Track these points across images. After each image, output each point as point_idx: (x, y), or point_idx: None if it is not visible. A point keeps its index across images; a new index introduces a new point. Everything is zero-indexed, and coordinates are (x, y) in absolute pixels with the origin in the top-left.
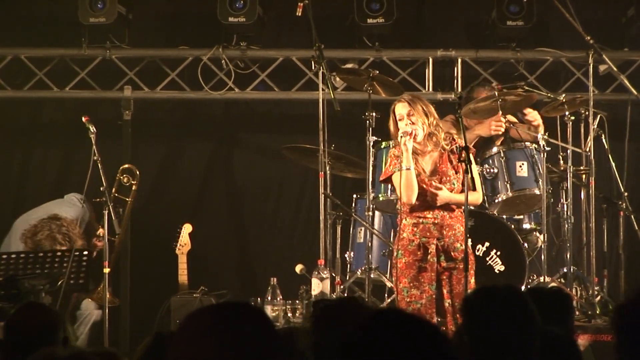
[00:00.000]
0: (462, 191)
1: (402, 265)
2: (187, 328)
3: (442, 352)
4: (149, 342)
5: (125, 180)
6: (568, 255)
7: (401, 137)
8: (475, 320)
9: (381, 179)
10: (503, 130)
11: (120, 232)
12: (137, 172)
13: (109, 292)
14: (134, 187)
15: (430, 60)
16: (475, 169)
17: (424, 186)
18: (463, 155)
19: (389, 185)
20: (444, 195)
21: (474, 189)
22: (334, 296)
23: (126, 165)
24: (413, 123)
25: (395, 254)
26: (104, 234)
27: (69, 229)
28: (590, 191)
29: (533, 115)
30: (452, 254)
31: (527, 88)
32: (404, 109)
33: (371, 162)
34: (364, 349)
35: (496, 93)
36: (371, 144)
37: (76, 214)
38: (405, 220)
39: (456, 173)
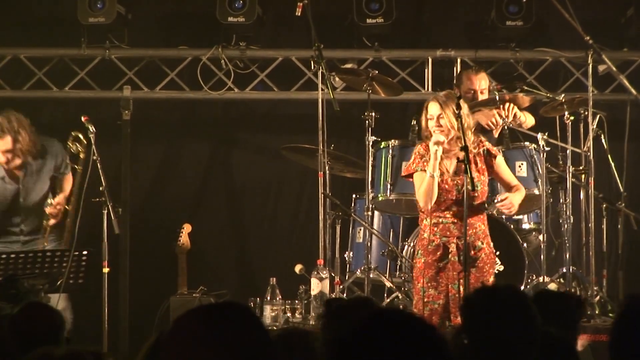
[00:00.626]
0: (487, 193)
1: (420, 265)
2: (177, 330)
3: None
4: (153, 341)
5: (74, 148)
6: (567, 255)
7: (433, 144)
8: (476, 321)
9: (403, 174)
10: (499, 126)
11: (70, 208)
12: (85, 140)
13: (68, 237)
14: (81, 156)
15: (430, 60)
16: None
17: (446, 187)
18: (462, 155)
19: (389, 185)
20: (515, 199)
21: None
22: (334, 295)
23: (74, 133)
24: (440, 125)
25: (415, 253)
26: (67, 220)
27: (20, 128)
28: (590, 191)
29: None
30: (472, 252)
31: (526, 88)
32: (436, 109)
33: (370, 162)
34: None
35: (497, 94)
36: (370, 144)
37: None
38: (426, 220)
39: (481, 175)
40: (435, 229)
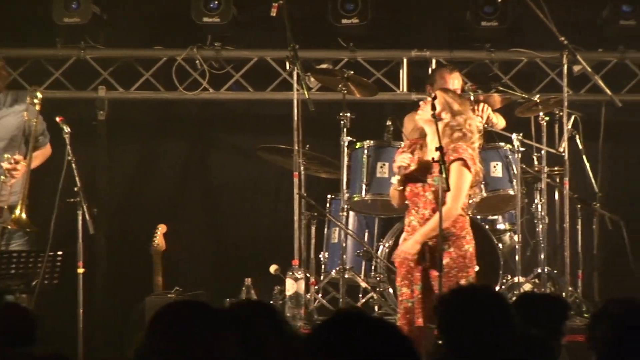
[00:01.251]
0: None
1: (397, 263)
2: (153, 324)
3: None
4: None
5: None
6: (542, 256)
7: (397, 166)
8: (453, 321)
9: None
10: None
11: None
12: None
13: (26, 219)
14: (37, 108)
15: (405, 60)
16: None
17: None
18: (437, 156)
19: (364, 186)
20: (418, 235)
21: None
22: (308, 297)
23: (33, 87)
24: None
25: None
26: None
27: None
28: (565, 192)
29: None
30: (435, 255)
31: (501, 88)
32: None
33: (346, 163)
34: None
35: (471, 94)
36: (346, 144)
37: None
38: (406, 218)
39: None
40: (409, 228)
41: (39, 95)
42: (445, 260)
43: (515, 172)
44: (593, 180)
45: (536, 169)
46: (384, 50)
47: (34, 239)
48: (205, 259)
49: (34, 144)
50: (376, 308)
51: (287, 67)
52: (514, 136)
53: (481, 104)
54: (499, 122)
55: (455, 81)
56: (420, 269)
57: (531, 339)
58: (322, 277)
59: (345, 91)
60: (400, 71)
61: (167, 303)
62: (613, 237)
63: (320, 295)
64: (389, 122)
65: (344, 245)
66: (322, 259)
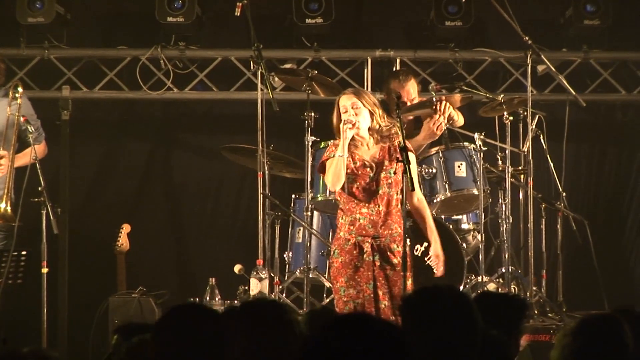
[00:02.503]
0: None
1: (338, 264)
2: (159, 328)
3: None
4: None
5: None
6: (506, 256)
7: (343, 124)
8: (416, 321)
9: (317, 168)
10: (444, 127)
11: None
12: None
13: (11, 214)
14: (19, 101)
15: (369, 60)
16: (414, 170)
17: (362, 178)
18: (402, 155)
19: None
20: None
21: (413, 189)
22: (272, 296)
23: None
24: (357, 115)
25: (332, 252)
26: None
27: None
28: (529, 191)
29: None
30: (387, 254)
31: (465, 88)
32: (349, 100)
33: (310, 162)
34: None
35: (434, 95)
36: (310, 144)
37: None
38: (342, 218)
39: (390, 164)
40: (352, 227)
41: (20, 89)
42: (397, 259)
43: (479, 171)
44: (557, 180)
45: (500, 168)
46: (348, 50)
47: (9, 240)
48: (169, 259)
49: (26, 140)
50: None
51: (252, 67)
52: (476, 135)
53: (443, 102)
54: (459, 119)
55: (410, 90)
56: (371, 268)
57: (492, 339)
58: (286, 277)
59: (310, 91)
60: (365, 71)
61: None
62: (577, 237)
63: (284, 295)
64: None
65: (308, 244)
66: (286, 258)
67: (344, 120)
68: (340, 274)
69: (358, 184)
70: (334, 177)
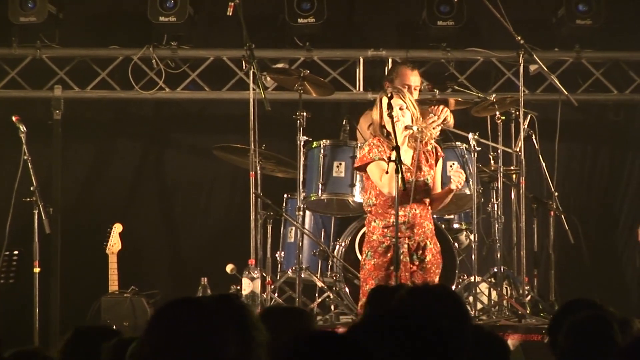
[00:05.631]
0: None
1: (370, 266)
2: (152, 322)
3: None
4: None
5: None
6: (498, 255)
7: (405, 129)
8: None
9: (356, 165)
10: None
11: None
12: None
13: None
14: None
15: (361, 60)
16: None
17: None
18: (394, 154)
19: (320, 185)
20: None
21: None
22: (264, 296)
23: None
24: (404, 117)
25: (364, 255)
26: None
27: None
28: (521, 191)
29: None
30: (420, 252)
31: (457, 88)
32: (398, 101)
33: (302, 162)
34: None
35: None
36: (302, 143)
37: None
38: (375, 222)
39: (430, 170)
40: (386, 230)
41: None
42: (429, 257)
43: (471, 171)
44: (549, 180)
45: (492, 168)
46: (340, 50)
47: None
48: (161, 258)
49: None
50: (332, 307)
51: (244, 67)
52: (469, 135)
53: (440, 105)
54: (450, 120)
55: (415, 78)
56: (409, 269)
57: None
58: (278, 277)
59: (302, 90)
60: (357, 70)
61: (168, 301)
62: (569, 236)
63: (276, 294)
64: (345, 122)
65: (300, 244)
66: (278, 258)
67: (406, 126)
68: (371, 276)
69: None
70: (393, 182)
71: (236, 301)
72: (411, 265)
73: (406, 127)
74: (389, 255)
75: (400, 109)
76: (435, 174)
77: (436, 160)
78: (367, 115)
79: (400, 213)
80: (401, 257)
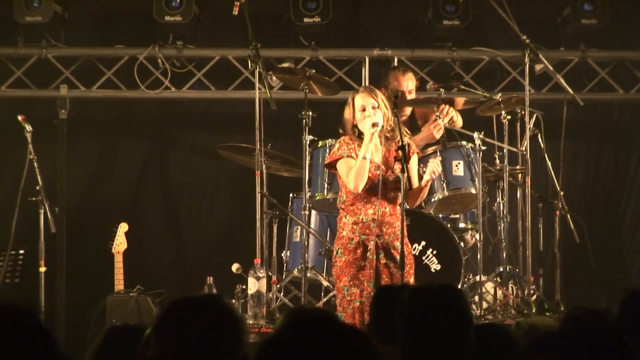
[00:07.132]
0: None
1: (342, 263)
2: (161, 320)
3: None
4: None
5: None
6: (504, 255)
7: (372, 125)
8: (410, 319)
9: (326, 162)
10: (443, 129)
11: None
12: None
13: None
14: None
15: (367, 59)
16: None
17: (371, 179)
18: (399, 154)
19: (326, 184)
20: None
21: (410, 189)
22: (270, 295)
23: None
24: (375, 115)
25: (335, 252)
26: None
27: None
28: (526, 190)
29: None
30: (391, 251)
31: (463, 87)
32: (368, 99)
33: (307, 161)
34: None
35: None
36: (307, 143)
37: None
38: (345, 218)
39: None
40: (355, 226)
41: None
42: (398, 258)
43: (477, 170)
44: (555, 179)
45: (498, 167)
46: (345, 49)
47: None
48: (167, 258)
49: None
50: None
51: (249, 66)
52: (475, 135)
53: (445, 105)
54: (458, 120)
55: (409, 82)
56: (374, 266)
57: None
58: (283, 276)
59: (307, 90)
60: (362, 70)
61: (176, 299)
62: (574, 236)
63: (282, 294)
64: None
65: (305, 244)
66: (284, 257)
67: (373, 123)
68: (343, 273)
69: (367, 185)
70: (358, 178)
71: (220, 301)
72: (378, 264)
73: (373, 125)
74: (358, 252)
75: (373, 107)
76: (410, 170)
77: (409, 157)
78: None
79: (370, 211)
80: (368, 255)
